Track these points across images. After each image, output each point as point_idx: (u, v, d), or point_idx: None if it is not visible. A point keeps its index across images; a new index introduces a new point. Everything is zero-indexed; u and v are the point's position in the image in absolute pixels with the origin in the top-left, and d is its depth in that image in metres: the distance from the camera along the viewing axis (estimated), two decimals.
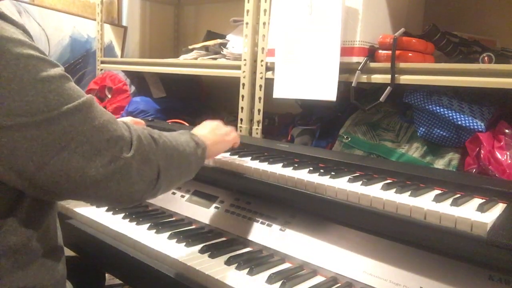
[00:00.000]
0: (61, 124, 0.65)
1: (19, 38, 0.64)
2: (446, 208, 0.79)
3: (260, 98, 1.51)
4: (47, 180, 0.66)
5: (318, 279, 0.92)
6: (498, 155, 1.04)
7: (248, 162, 1.12)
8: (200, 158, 0.93)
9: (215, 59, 1.76)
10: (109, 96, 2.05)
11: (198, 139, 0.94)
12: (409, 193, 0.88)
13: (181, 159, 0.85)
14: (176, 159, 0.83)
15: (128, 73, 2.10)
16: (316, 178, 0.97)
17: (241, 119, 1.56)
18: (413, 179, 1.00)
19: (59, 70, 0.68)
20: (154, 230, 1.13)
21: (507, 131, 1.08)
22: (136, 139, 0.74)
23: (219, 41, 1.77)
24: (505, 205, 0.85)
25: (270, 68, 1.47)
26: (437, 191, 0.92)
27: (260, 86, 1.50)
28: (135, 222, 1.18)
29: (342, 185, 0.92)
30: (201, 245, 1.03)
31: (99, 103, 2.18)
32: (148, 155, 0.75)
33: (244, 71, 1.54)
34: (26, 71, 0.63)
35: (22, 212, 0.73)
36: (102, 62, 2.24)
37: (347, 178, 0.98)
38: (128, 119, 1.32)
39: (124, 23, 2.55)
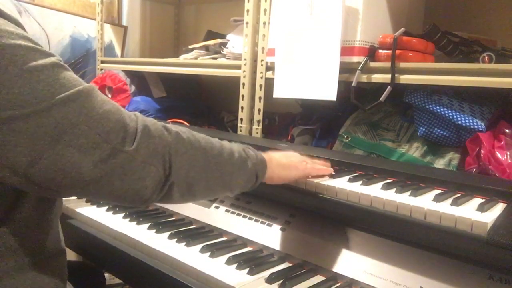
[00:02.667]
0: (52, 116, 0.60)
1: (6, 28, 0.61)
2: (446, 207, 0.79)
3: (260, 98, 1.51)
4: (42, 176, 0.62)
5: (318, 279, 0.92)
6: (498, 155, 1.04)
7: None
8: (247, 171, 0.83)
9: (215, 58, 1.76)
10: (109, 95, 2.05)
11: (253, 153, 0.85)
12: (409, 192, 0.88)
13: (209, 163, 0.77)
14: (201, 162, 0.75)
15: (128, 73, 2.10)
16: (316, 178, 0.97)
17: (241, 119, 1.56)
18: (413, 178, 1.00)
19: (52, 59, 0.64)
20: (154, 230, 1.13)
21: (507, 130, 1.08)
22: (142, 130, 0.67)
23: (219, 40, 1.77)
24: (505, 205, 0.85)
25: (270, 67, 1.47)
26: (437, 191, 0.92)
27: (260, 85, 1.50)
28: (135, 222, 1.18)
29: (342, 185, 0.92)
30: (201, 245, 1.03)
31: None
32: (157, 148, 0.69)
33: (244, 71, 1.54)
34: (12, 61, 0.59)
35: (22, 214, 0.72)
36: (102, 62, 2.24)
37: (347, 177, 0.98)
38: None
39: (124, 23, 2.55)
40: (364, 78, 1.24)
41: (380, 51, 1.22)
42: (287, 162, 0.94)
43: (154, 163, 0.68)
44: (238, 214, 1.14)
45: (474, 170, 1.07)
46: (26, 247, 0.73)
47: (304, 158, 1.00)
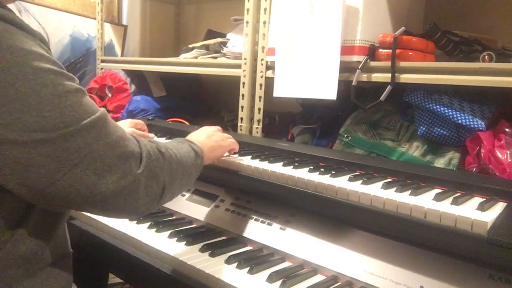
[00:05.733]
0: (76, 141, 0.65)
1: (37, 51, 0.64)
2: (446, 207, 0.79)
3: (260, 97, 1.51)
4: (57, 194, 0.65)
5: (318, 278, 0.92)
6: (499, 154, 1.04)
7: (248, 161, 1.12)
8: (199, 167, 0.94)
9: (216, 58, 1.76)
10: (109, 95, 2.05)
11: (197, 148, 0.94)
12: (409, 192, 0.88)
13: (184, 172, 0.85)
14: (180, 172, 0.83)
15: (128, 72, 2.10)
16: (316, 177, 0.97)
17: (241, 118, 1.56)
18: (413, 178, 1.00)
19: (75, 84, 0.68)
20: (155, 229, 1.13)
21: (507, 130, 1.08)
22: (146, 155, 0.73)
23: (219, 40, 1.77)
24: (505, 204, 0.85)
25: (270, 67, 1.47)
26: (438, 190, 0.92)
27: (260, 85, 1.50)
28: (135, 221, 1.18)
29: (343, 184, 0.92)
30: (201, 244, 1.03)
31: (99, 102, 2.16)
32: (156, 171, 0.75)
33: (244, 70, 1.54)
34: (44, 86, 0.63)
35: (33, 222, 0.73)
36: (103, 61, 2.24)
37: (347, 177, 0.98)
38: (128, 121, 1.32)
39: (124, 22, 2.55)
40: (364, 77, 1.24)
41: (380, 50, 1.22)
42: (214, 144, 1.05)
43: (153, 185, 0.75)
44: (238, 213, 1.14)
45: (474, 169, 1.07)
46: (36, 253, 0.74)
47: (219, 133, 1.11)
